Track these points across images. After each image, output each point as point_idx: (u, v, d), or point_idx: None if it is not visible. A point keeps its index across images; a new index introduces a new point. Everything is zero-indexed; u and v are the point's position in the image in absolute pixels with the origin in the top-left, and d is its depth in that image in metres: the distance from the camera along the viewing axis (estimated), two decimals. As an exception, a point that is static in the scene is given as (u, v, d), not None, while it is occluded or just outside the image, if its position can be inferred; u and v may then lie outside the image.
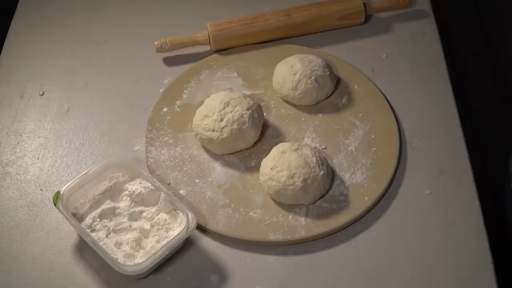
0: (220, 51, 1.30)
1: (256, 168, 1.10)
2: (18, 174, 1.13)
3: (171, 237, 0.99)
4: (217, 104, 1.12)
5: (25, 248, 1.04)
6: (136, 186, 1.05)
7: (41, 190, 1.11)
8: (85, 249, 1.03)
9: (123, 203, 1.05)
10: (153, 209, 1.04)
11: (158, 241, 1.00)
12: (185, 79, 1.25)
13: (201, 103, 1.16)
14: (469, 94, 1.49)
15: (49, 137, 1.19)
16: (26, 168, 1.14)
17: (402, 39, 1.31)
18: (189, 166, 1.12)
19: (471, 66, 1.52)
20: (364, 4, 1.32)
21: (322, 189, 1.06)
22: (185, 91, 1.23)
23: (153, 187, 1.05)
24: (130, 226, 1.02)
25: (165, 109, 1.20)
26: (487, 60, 1.45)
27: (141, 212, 1.04)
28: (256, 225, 1.04)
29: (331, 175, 1.09)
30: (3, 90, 1.26)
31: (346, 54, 1.28)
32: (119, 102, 1.24)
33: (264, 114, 1.17)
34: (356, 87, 1.22)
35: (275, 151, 1.08)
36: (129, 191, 1.05)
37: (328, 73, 1.19)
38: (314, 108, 1.20)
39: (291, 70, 1.18)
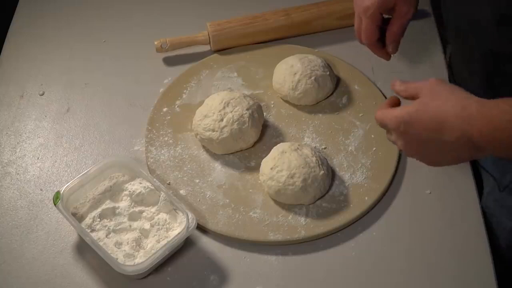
0: (220, 51, 1.30)
1: (256, 168, 1.10)
2: (18, 174, 1.13)
3: (171, 237, 0.99)
4: (217, 104, 1.12)
5: (25, 248, 1.04)
6: (136, 186, 1.05)
7: (41, 190, 1.11)
8: (85, 249, 1.03)
9: (123, 203, 1.05)
10: (153, 209, 1.04)
11: (158, 241, 1.00)
12: (185, 79, 1.25)
13: (201, 103, 1.16)
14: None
15: (49, 137, 1.19)
16: (26, 168, 1.14)
17: (402, 39, 1.31)
18: (189, 166, 1.12)
19: None
20: (364, 4, 1.31)
21: (322, 189, 1.06)
22: (185, 91, 1.23)
23: (153, 187, 1.05)
24: (130, 226, 1.02)
25: (165, 109, 1.20)
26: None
27: (141, 212, 1.04)
28: (256, 225, 1.04)
29: (331, 175, 1.09)
30: (3, 90, 1.26)
31: (346, 54, 1.28)
32: (119, 102, 1.24)
33: (264, 114, 1.17)
34: (356, 87, 1.22)
35: (275, 151, 1.08)
36: (129, 191, 1.05)
37: (328, 73, 1.19)
38: (314, 108, 1.20)
39: (291, 70, 1.18)
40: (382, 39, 1.04)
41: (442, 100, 0.81)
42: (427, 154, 0.86)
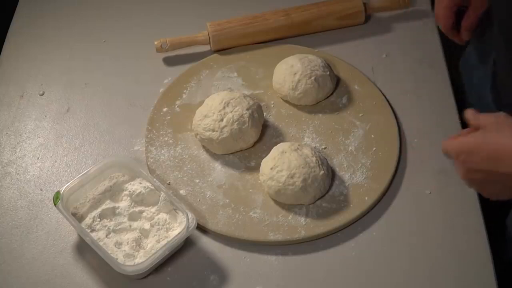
0: (220, 51, 1.30)
1: (256, 168, 1.10)
2: (18, 174, 1.13)
3: (171, 237, 0.99)
4: (217, 104, 1.12)
5: (25, 248, 1.04)
6: (136, 186, 1.05)
7: (41, 190, 1.11)
8: (85, 249, 1.03)
9: (123, 203, 1.05)
10: (153, 209, 1.04)
11: (158, 241, 1.00)
12: (185, 79, 1.25)
13: (201, 103, 1.16)
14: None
15: (49, 137, 1.19)
16: (26, 168, 1.14)
17: (402, 39, 1.31)
18: (189, 166, 1.12)
19: None
20: (364, 4, 1.32)
21: (322, 189, 1.06)
22: (185, 91, 1.23)
23: (153, 187, 1.05)
24: (130, 226, 1.02)
25: (165, 109, 1.20)
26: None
27: (141, 212, 1.04)
28: (256, 225, 1.04)
29: (331, 175, 1.09)
30: (3, 90, 1.26)
31: (346, 54, 1.28)
32: (119, 102, 1.24)
33: (264, 114, 1.17)
34: (356, 87, 1.22)
35: (275, 151, 1.08)
36: (129, 191, 1.05)
37: (328, 73, 1.19)
38: (314, 108, 1.20)
39: (291, 70, 1.18)
40: (458, 24, 1.13)
41: (503, 133, 0.83)
42: (486, 185, 0.87)
